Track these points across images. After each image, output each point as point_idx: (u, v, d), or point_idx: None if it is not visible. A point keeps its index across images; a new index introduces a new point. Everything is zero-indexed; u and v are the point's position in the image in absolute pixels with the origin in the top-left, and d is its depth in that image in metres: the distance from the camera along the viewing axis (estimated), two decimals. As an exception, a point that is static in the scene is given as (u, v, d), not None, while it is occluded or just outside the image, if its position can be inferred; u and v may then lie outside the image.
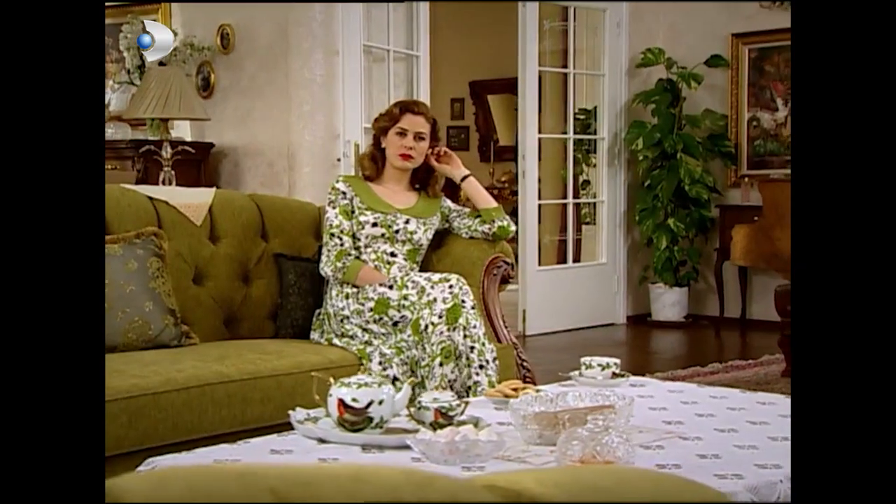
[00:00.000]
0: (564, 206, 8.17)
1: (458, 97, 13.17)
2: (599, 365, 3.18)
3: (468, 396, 3.56)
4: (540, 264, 7.79)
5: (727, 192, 7.92)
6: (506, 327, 4.16)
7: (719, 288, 7.77)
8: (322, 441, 2.46)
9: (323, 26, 6.39)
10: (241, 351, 3.56)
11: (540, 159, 8.49)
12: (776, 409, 2.85)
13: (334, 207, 4.05)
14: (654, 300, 8.01)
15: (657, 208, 7.84)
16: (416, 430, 2.44)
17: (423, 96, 6.83)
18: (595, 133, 8.14)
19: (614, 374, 3.18)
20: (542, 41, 7.63)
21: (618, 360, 3.23)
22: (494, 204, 4.22)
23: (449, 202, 4.26)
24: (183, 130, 7.21)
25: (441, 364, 3.64)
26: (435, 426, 2.45)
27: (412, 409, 2.56)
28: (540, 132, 7.78)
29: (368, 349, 3.74)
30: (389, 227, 4.02)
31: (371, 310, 3.86)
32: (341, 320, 3.91)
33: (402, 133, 4.09)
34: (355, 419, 2.43)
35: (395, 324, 3.83)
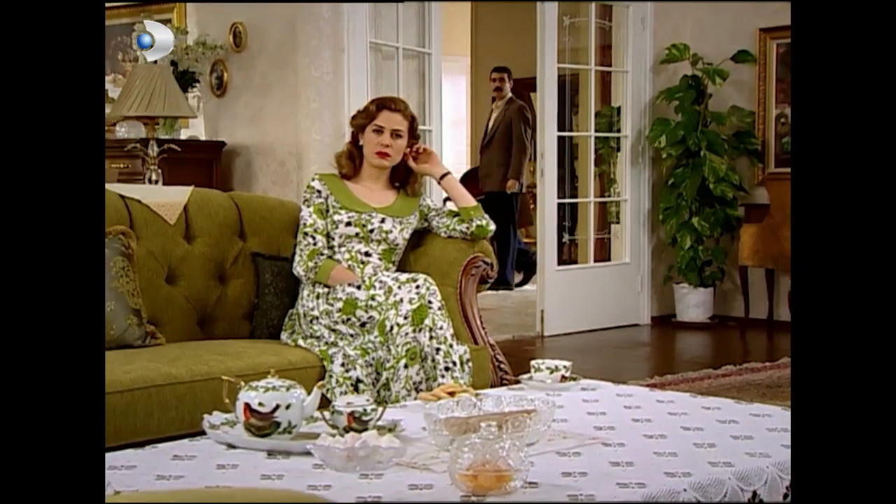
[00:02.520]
0: (586, 204, 8.04)
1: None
2: (548, 368, 3.08)
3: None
4: (560, 264, 7.68)
5: (754, 191, 7.74)
6: (483, 328, 4.07)
7: (744, 288, 7.59)
8: (231, 446, 2.41)
9: (330, 24, 6.35)
10: (199, 352, 3.52)
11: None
12: (720, 415, 2.74)
13: (309, 206, 3.99)
14: (679, 300, 7.86)
15: (681, 207, 7.69)
16: (332, 436, 2.37)
17: (435, 94, 6.76)
18: (619, 131, 8.00)
19: (563, 378, 3.08)
20: (562, 38, 7.51)
21: (567, 364, 3.13)
22: (473, 203, 4.14)
23: (429, 201, 4.18)
24: (197, 129, 7.21)
25: (406, 366, 3.57)
26: (348, 431, 2.38)
27: (327, 414, 2.49)
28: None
29: (332, 350, 3.67)
30: (364, 226, 3.96)
31: (339, 310, 3.79)
32: (311, 321, 3.85)
33: (379, 130, 4.02)
34: (261, 424, 2.36)
35: (363, 324, 3.77)
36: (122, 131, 6.83)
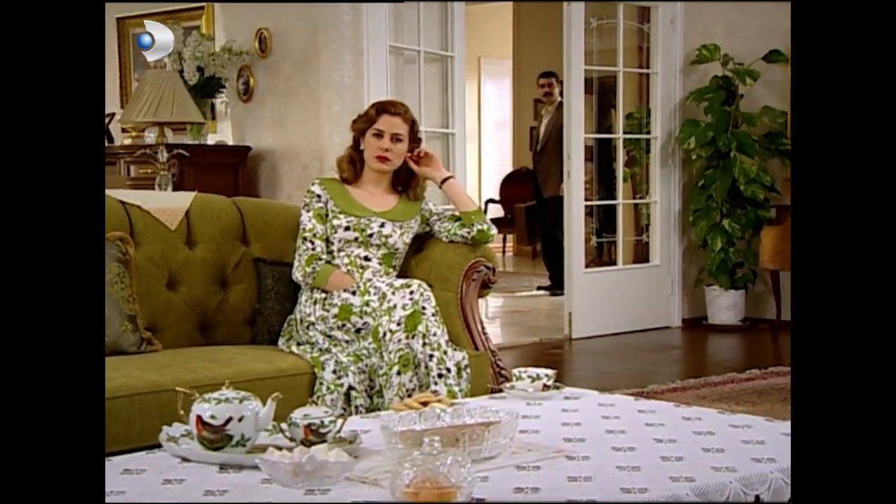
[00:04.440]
0: (614, 206, 7.96)
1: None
2: (529, 377, 3.03)
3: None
4: (599, 266, 7.61)
5: (786, 192, 7.61)
6: (484, 333, 4.02)
7: (775, 290, 7.46)
8: (185, 460, 2.38)
9: (351, 27, 6.34)
10: (190, 359, 3.51)
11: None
12: (698, 426, 2.67)
13: (308, 211, 3.97)
14: (710, 303, 7.76)
15: (711, 209, 7.59)
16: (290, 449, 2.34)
17: (458, 98, 6.72)
18: (649, 132, 7.91)
19: (545, 387, 3.03)
20: (589, 40, 7.44)
21: (550, 372, 3.07)
22: (475, 207, 4.10)
23: (430, 205, 4.14)
24: (225, 134, 7.24)
25: (399, 373, 3.54)
26: (306, 444, 2.35)
27: (284, 426, 2.46)
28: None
29: (324, 357, 3.65)
30: (363, 230, 3.93)
31: (335, 316, 3.77)
32: (307, 326, 3.83)
33: (379, 135, 3.99)
34: (213, 437, 2.34)
35: (358, 330, 3.74)
36: (150, 136, 6.87)
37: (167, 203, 4.11)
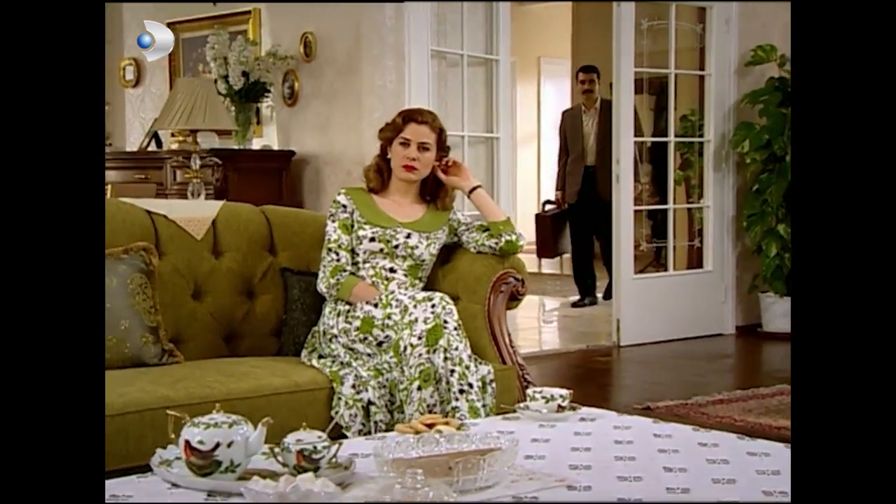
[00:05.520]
0: (665, 212, 7.81)
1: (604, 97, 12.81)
2: (544, 398, 2.93)
3: (448, 422, 3.36)
4: (637, 272, 7.46)
5: (844, 197, 7.40)
6: (511, 347, 3.93)
7: (832, 299, 7.25)
8: (175, 485, 2.33)
9: (393, 32, 6.27)
10: (207, 372, 3.46)
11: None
12: (715, 453, 2.56)
13: (334, 221, 3.92)
14: (765, 310, 7.58)
15: (766, 214, 7.41)
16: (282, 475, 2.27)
17: (503, 102, 6.62)
18: (702, 135, 7.74)
19: (560, 408, 2.93)
20: (640, 42, 7.30)
21: (565, 392, 2.97)
22: (503, 217, 4.00)
23: (459, 215, 4.06)
24: (270, 139, 7.22)
25: (419, 388, 3.46)
26: (298, 470, 2.28)
27: (277, 451, 2.39)
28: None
29: (343, 371, 3.58)
30: (388, 241, 3.86)
31: (357, 329, 3.71)
32: (329, 339, 3.77)
33: (406, 143, 3.92)
34: (202, 462, 2.28)
35: (380, 344, 3.67)
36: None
37: (194, 212, 4.07)
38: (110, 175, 7.51)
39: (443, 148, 4.00)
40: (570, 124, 9.17)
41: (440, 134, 3.98)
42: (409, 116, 3.97)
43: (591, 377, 6.48)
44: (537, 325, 8.81)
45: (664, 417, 5.11)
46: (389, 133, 3.97)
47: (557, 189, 9.47)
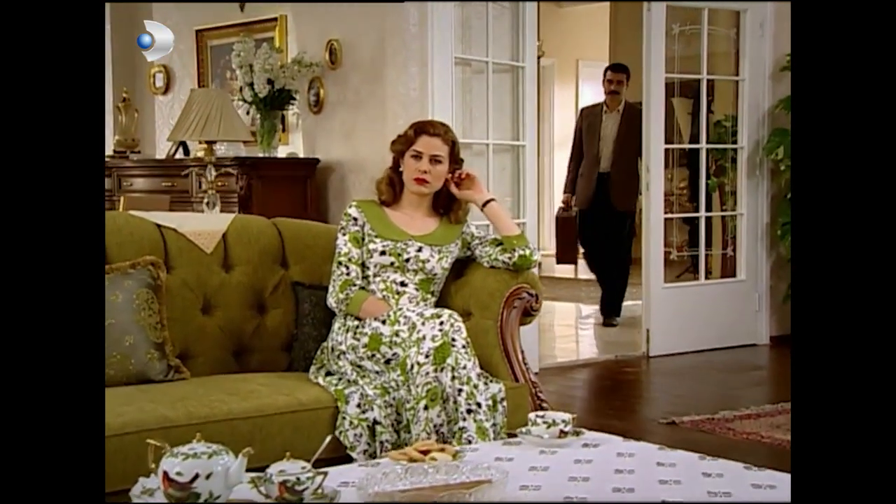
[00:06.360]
0: (696, 220, 7.68)
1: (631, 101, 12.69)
2: (545, 423, 2.85)
3: (453, 443, 3.29)
4: (666, 280, 7.34)
5: (880, 205, 7.24)
6: (524, 364, 3.84)
7: (868, 309, 7.09)
8: (154, 516, 2.28)
9: (417, 39, 6.20)
10: (210, 390, 3.40)
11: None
12: (719, 484, 2.46)
13: (344, 234, 3.85)
14: (800, 321, 7.40)
15: (801, 222, 7.25)
16: None
17: (529, 109, 6.53)
18: (735, 142, 7.61)
19: (562, 433, 2.84)
20: (671, 46, 7.18)
21: (567, 417, 2.88)
22: (517, 231, 3.92)
23: (472, 228, 3.98)
24: (296, 146, 7.19)
25: (426, 407, 3.38)
26: (280, 502, 2.21)
27: (259, 481, 2.32)
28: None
29: (349, 390, 3.51)
30: (399, 255, 3.79)
31: (365, 346, 3.64)
32: (338, 355, 3.71)
33: (418, 156, 3.85)
34: (180, 494, 2.22)
35: (388, 361, 3.60)
36: (221, 149, 6.85)
37: (204, 226, 4.02)
38: (138, 182, 7.52)
39: (456, 160, 3.93)
40: (587, 123, 8.41)
41: (453, 146, 3.90)
42: (421, 129, 3.90)
43: (618, 389, 6.37)
44: (574, 333, 8.72)
45: (687, 433, 5.02)
46: (401, 145, 3.91)
47: (565, 192, 8.71)
